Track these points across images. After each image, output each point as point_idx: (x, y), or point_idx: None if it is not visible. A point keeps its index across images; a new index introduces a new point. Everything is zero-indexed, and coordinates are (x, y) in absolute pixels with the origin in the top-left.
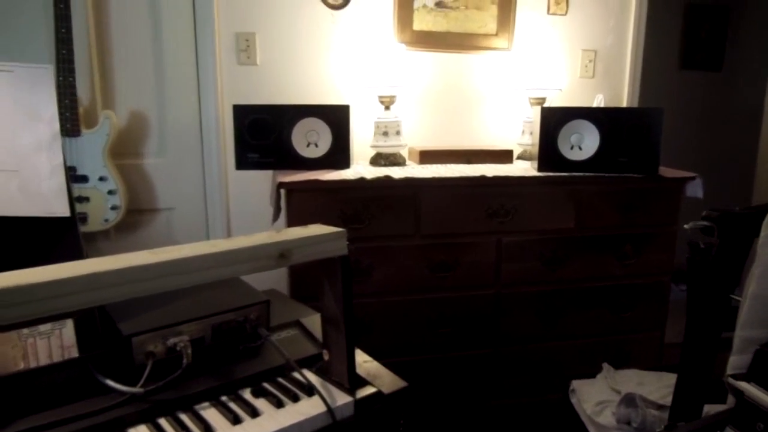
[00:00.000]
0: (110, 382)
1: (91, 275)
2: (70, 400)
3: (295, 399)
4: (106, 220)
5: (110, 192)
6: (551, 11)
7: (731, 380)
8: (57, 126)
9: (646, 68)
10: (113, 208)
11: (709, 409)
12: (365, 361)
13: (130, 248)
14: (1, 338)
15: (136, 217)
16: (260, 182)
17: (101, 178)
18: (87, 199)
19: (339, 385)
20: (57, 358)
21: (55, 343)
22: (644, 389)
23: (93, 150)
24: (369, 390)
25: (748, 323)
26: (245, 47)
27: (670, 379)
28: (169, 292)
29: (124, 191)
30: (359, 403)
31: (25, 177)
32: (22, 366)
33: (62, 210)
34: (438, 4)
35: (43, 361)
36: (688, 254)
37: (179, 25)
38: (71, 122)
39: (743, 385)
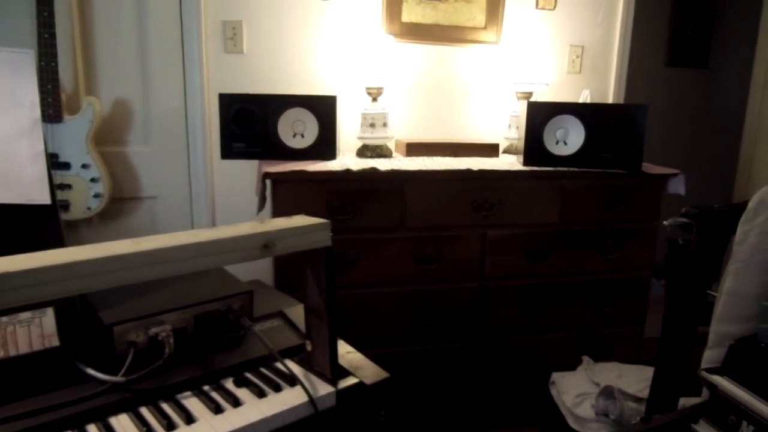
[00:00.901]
0: (91, 371)
1: (70, 264)
2: (51, 389)
3: (278, 389)
4: (89, 208)
5: (93, 180)
6: (540, 6)
7: (706, 374)
8: (38, 112)
9: (632, 65)
10: (96, 195)
11: (685, 401)
12: (348, 352)
13: (113, 236)
14: None
15: (120, 206)
16: (246, 172)
17: (84, 166)
18: (69, 186)
19: (321, 376)
20: (37, 346)
21: (35, 332)
22: (623, 382)
23: (76, 137)
24: (351, 381)
25: (724, 318)
26: (232, 35)
27: (648, 372)
28: (151, 281)
29: (107, 179)
30: (341, 394)
31: (5, 164)
32: (1, 354)
33: (43, 197)
34: None
35: (24, 349)
36: (668, 250)
37: (165, 11)
38: (53, 108)
39: (717, 379)
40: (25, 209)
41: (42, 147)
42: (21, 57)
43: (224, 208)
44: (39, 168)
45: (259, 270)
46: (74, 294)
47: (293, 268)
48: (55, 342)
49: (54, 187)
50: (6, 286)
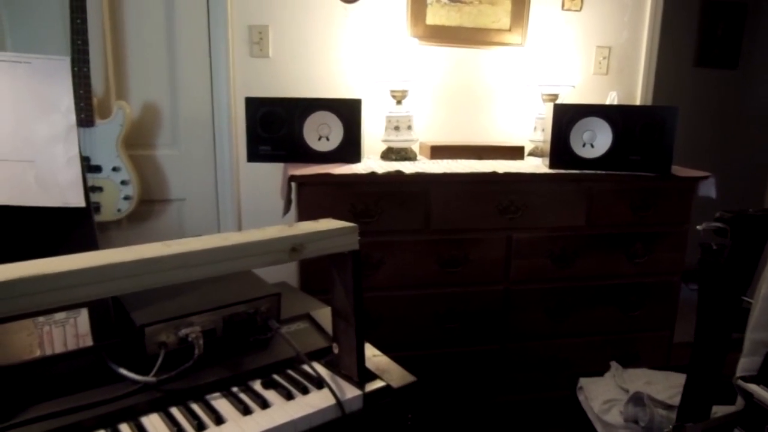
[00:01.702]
0: (123, 371)
1: (107, 266)
2: (84, 388)
3: (305, 391)
4: (119, 210)
5: (123, 182)
6: (566, 7)
7: (741, 382)
8: (73, 117)
9: (660, 65)
10: (126, 198)
11: (718, 410)
12: (374, 355)
13: (142, 238)
14: (17, 326)
15: (148, 208)
16: (271, 175)
17: (114, 169)
18: (100, 188)
19: (348, 379)
20: (72, 346)
21: (70, 332)
22: (652, 389)
23: (107, 140)
24: (378, 384)
25: (759, 326)
26: (258, 40)
27: (678, 379)
28: (181, 283)
29: (136, 182)
30: (368, 397)
31: (42, 167)
32: (38, 353)
33: (78, 200)
34: None
35: (59, 348)
36: (701, 255)
37: (193, 17)
38: (85, 112)
39: (753, 387)
40: (60, 212)
41: (77, 151)
42: (58, 64)
43: (250, 211)
44: (74, 172)
45: (284, 272)
46: (110, 295)
47: (318, 270)
48: (89, 342)
49: (88, 191)
50: (48, 287)
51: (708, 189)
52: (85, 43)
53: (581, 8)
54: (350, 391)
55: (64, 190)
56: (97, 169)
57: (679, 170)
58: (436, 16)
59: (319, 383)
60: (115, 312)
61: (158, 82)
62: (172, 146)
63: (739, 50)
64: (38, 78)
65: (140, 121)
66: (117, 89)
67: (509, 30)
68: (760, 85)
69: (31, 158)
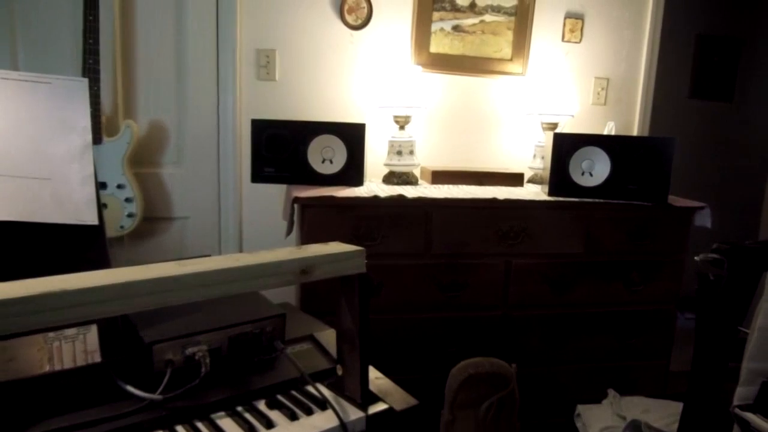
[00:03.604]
0: (130, 388)
1: (123, 284)
2: (91, 404)
3: (309, 412)
4: (122, 227)
5: (127, 200)
6: (566, 39)
7: (738, 411)
8: (89, 137)
9: (657, 97)
10: (129, 215)
11: None
12: (377, 378)
13: (143, 256)
14: (28, 341)
15: (151, 225)
16: (273, 196)
17: (119, 186)
18: (105, 205)
19: (351, 401)
20: (80, 362)
21: (79, 348)
22: (649, 416)
23: (113, 158)
24: (381, 406)
25: (756, 355)
26: (265, 63)
27: (675, 407)
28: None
29: (140, 199)
30: (371, 419)
31: (58, 185)
32: (47, 368)
33: (92, 218)
34: (455, 28)
35: (68, 364)
36: (698, 285)
37: (202, 39)
38: (93, 130)
39: (750, 416)
40: (74, 229)
41: (92, 170)
42: (76, 86)
43: (251, 231)
44: (88, 190)
45: (283, 293)
46: (123, 313)
47: (319, 292)
48: (97, 358)
49: (101, 209)
50: (60, 305)
51: (704, 219)
52: (96, 62)
53: (581, 40)
54: (353, 413)
55: (79, 208)
56: (102, 185)
57: (675, 200)
58: (439, 44)
59: (323, 404)
60: (123, 329)
61: (166, 101)
62: (177, 165)
63: (734, 83)
64: (57, 98)
65: (147, 139)
66: (125, 108)
67: (511, 60)
68: (755, 117)
69: (47, 176)
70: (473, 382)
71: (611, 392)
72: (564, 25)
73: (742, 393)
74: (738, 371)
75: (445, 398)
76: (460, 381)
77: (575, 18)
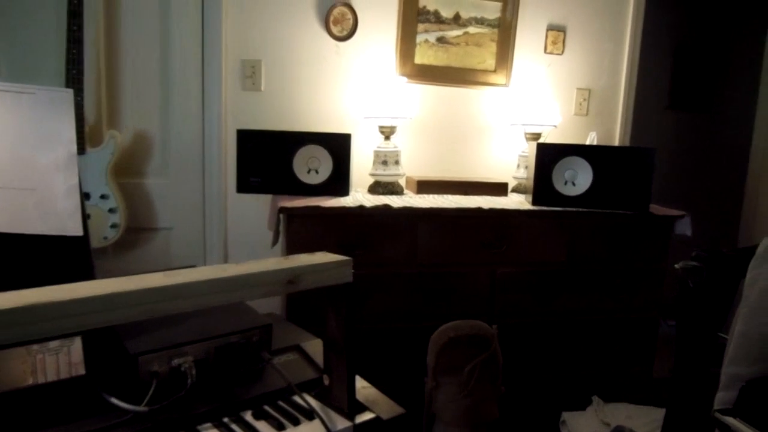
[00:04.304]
0: (115, 401)
1: (108, 295)
2: (76, 417)
3: (296, 422)
4: (105, 238)
5: (111, 210)
6: (548, 50)
7: (718, 415)
8: (74, 148)
9: (637, 107)
10: (113, 226)
11: None
12: (364, 387)
13: (127, 266)
14: (11, 353)
15: (135, 236)
16: (258, 206)
17: (103, 196)
18: (88, 216)
19: (339, 410)
20: (64, 374)
21: (63, 360)
22: (633, 422)
23: (96, 168)
24: (368, 415)
25: (735, 360)
26: (251, 74)
27: (657, 413)
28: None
29: (124, 209)
30: (358, 428)
31: (42, 196)
32: (30, 381)
33: (76, 229)
34: (439, 40)
35: (51, 377)
36: (678, 293)
37: (188, 49)
38: (77, 140)
39: (730, 420)
40: (58, 240)
41: (77, 181)
42: (61, 96)
43: (236, 242)
44: (73, 201)
45: (269, 303)
46: (108, 325)
47: (304, 302)
48: (81, 370)
49: (86, 220)
50: (45, 316)
51: (684, 227)
52: (80, 72)
53: (563, 52)
54: (341, 423)
55: (63, 219)
56: (86, 196)
57: (656, 209)
58: (424, 56)
59: (310, 414)
60: (108, 340)
61: (151, 111)
62: (162, 175)
63: (712, 94)
64: (42, 108)
65: (131, 149)
66: (109, 118)
67: (494, 71)
68: (731, 128)
69: (32, 186)
70: (454, 345)
71: (596, 399)
72: (546, 37)
73: (722, 397)
74: (718, 376)
75: (428, 365)
76: (441, 345)
77: (557, 30)
